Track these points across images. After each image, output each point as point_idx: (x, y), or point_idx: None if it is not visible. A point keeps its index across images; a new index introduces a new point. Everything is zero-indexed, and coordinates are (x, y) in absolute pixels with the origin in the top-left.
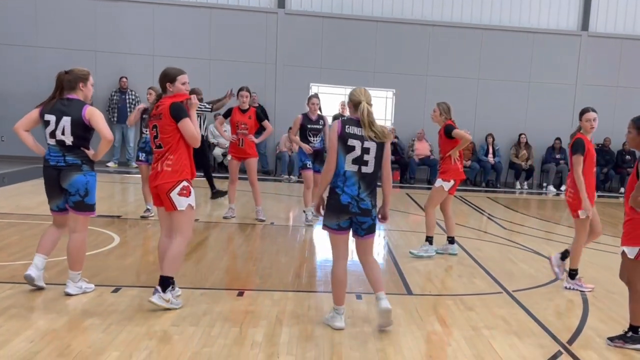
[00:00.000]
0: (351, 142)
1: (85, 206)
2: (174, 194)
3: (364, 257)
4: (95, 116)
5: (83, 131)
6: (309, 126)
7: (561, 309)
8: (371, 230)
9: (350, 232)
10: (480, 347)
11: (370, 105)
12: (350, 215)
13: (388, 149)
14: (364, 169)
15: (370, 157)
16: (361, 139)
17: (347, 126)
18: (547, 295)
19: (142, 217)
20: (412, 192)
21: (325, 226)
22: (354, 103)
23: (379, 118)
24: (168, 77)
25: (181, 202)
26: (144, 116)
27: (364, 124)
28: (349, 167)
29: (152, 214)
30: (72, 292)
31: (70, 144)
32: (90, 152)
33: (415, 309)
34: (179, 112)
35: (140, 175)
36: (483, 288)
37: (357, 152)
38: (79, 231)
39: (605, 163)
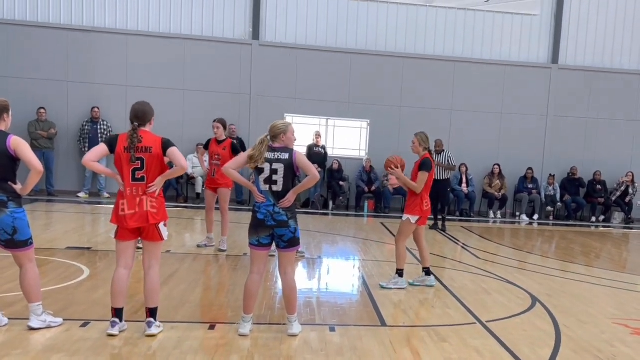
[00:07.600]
0: (261, 165)
1: (17, 243)
2: (161, 225)
3: (283, 272)
4: (21, 146)
5: (9, 162)
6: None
7: (534, 339)
8: (292, 243)
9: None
10: None
11: (272, 136)
12: (267, 229)
13: (300, 161)
14: (274, 188)
15: (278, 177)
16: (270, 161)
17: None
18: (520, 326)
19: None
20: (387, 222)
21: (249, 244)
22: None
23: (353, 148)
24: (152, 113)
25: (165, 232)
26: None
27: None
28: (263, 187)
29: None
30: (35, 326)
31: None
32: (17, 187)
33: (389, 340)
34: (169, 142)
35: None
36: (457, 319)
37: (267, 173)
38: (26, 264)
39: (576, 191)
